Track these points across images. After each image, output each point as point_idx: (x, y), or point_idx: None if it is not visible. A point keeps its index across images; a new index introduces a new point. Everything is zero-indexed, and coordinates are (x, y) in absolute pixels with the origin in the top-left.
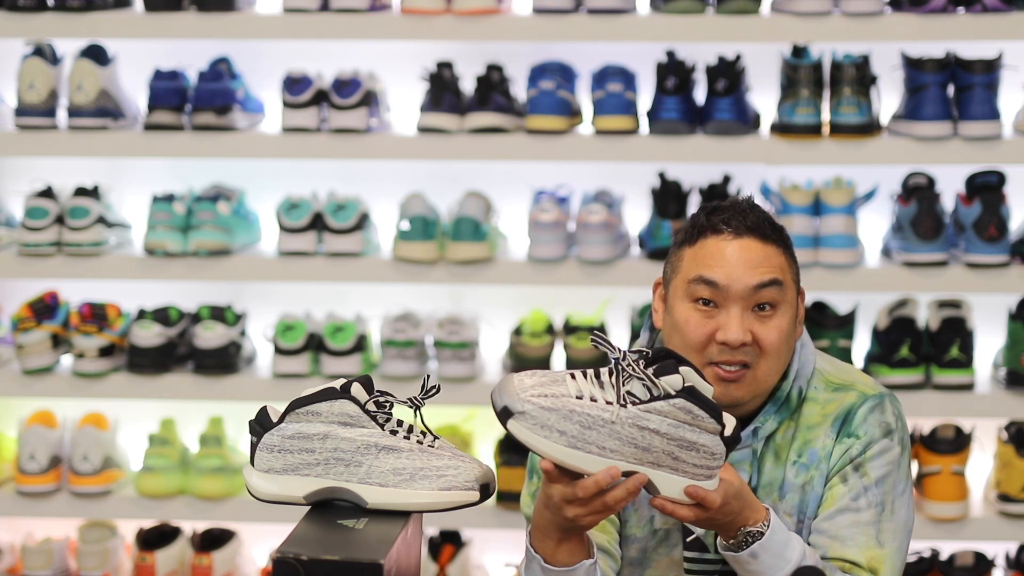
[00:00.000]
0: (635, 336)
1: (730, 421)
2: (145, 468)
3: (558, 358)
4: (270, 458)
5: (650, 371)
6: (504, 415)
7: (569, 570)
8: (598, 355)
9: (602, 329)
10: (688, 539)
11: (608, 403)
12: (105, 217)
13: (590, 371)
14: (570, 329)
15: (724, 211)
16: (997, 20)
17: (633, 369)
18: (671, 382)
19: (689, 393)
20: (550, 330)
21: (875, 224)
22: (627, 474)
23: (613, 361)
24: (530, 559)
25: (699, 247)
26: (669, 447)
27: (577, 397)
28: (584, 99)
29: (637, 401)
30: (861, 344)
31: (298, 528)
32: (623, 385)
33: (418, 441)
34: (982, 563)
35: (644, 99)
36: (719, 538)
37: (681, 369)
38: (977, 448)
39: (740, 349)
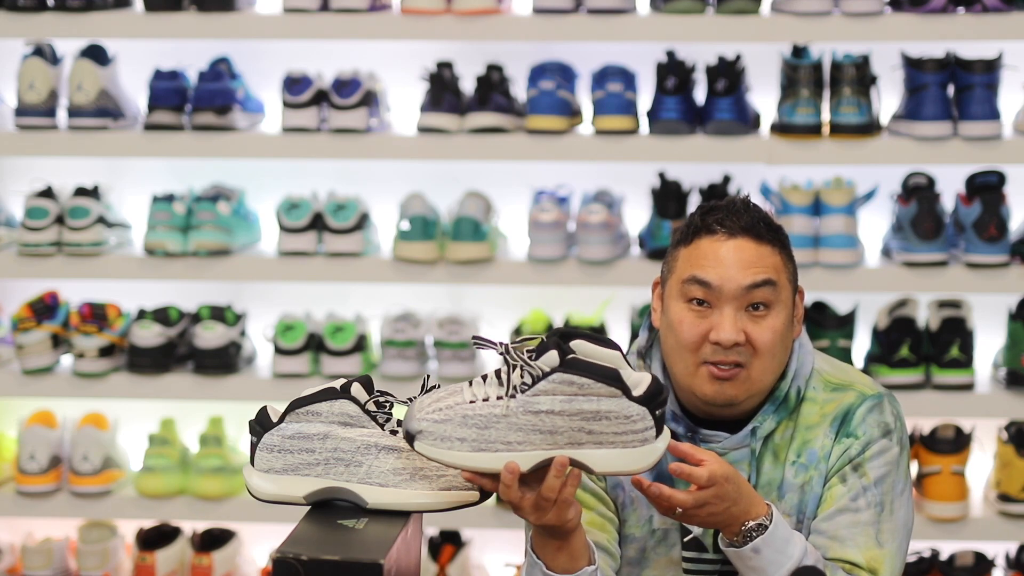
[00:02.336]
0: (635, 336)
1: (643, 379)
2: (145, 468)
3: None
4: (270, 458)
5: (527, 355)
6: (409, 439)
7: None
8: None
9: (601, 329)
10: (686, 539)
11: (498, 398)
12: (105, 217)
13: (489, 373)
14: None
15: (719, 211)
16: (997, 20)
17: (513, 359)
18: (548, 360)
19: (567, 365)
20: (550, 330)
21: (875, 224)
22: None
23: (503, 356)
24: (532, 565)
25: (693, 247)
26: (575, 423)
27: (471, 402)
28: (584, 99)
29: (525, 388)
30: (861, 344)
31: (298, 528)
32: (510, 377)
33: None
34: (982, 563)
35: (644, 99)
36: (720, 535)
37: (573, 344)
38: (977, 448)
39: (733, 349)
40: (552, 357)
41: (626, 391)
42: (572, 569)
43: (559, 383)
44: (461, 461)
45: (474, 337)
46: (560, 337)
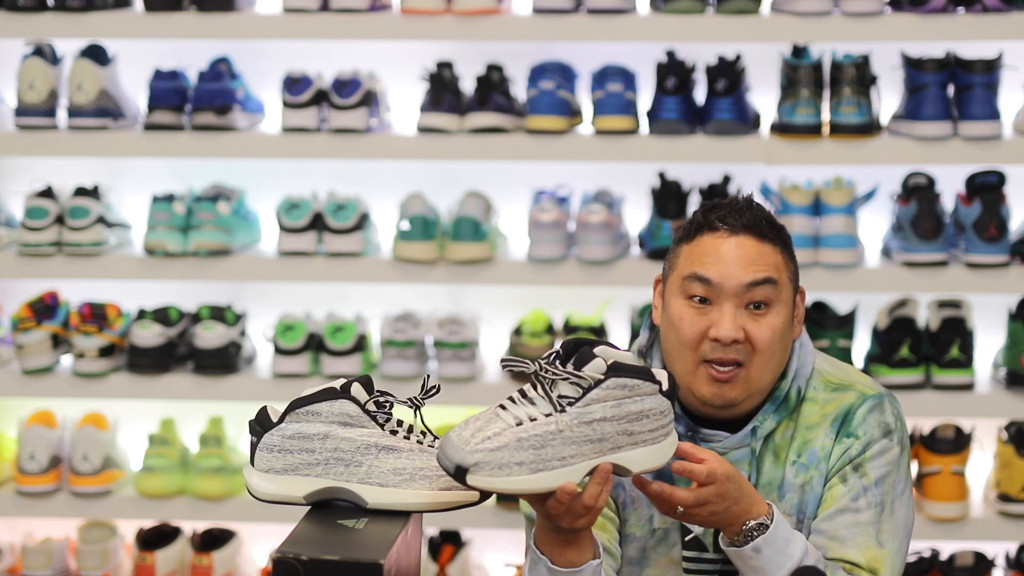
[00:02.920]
0: (635, 335)
1: (662, 375)
2: (145, 468)
3: None
4: (270, 458)
5: (570, 367)
6: (460, 474)
7: (576, 571)
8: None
9: (601, 329)
10: (687, 538)
11: (547, 415)
12: (105, 217)
13: (515, 394)
14: (570, 329)
15: (721, 208)
16: (997, 20)
17: (555, 373)
18: (595, 368)
19: (615, 369)
20: (550, 330)
21: (875, 224)
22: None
23: (532, 375)
24: (536, 560)
25: (695, 244)
26: (621, 427)
27: (517, 424)
28: (584, 99)
29: (573, 400)
30: (861, 344)
31: (298, 528)
32: (551, 392)
33: (418, 441)
34: (982, 563)
35: (644, 99)
36: (721, 534)
37: (596, 350)
38: (977, 448)
39: (732, 346)
40: (599, 365)
41: (660, 386)
42: (579, 563)
43: (613, 388)
44: (523, 486)
45: (503, 361)
46: (575, 347)
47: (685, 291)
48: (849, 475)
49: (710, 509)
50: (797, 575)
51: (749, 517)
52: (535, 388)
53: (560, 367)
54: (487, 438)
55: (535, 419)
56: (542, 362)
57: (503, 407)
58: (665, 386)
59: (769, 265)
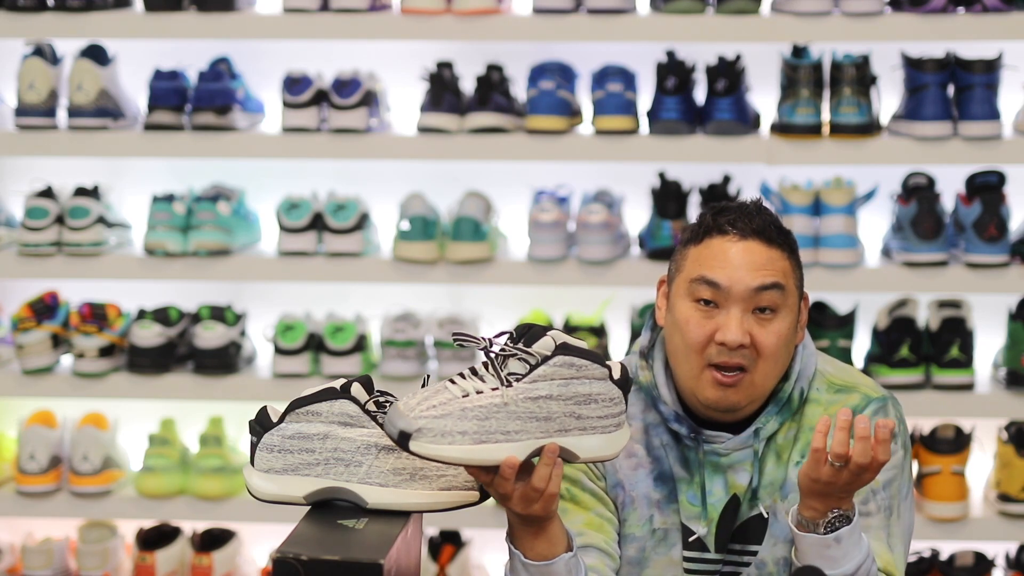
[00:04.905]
0: (636, 335)
1: (616, 365)
2: (145, 468)
3: None
4: (270, 458)
5: (520, 344)
6: (403, 439)
7: (548, 564)
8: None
9: (601, 329)
10: (690, 539)
11: (494, 389)
12: (105, 217)
13: (466, 371)
14: (570, 329)
15: (731, 212)
16: (997, 20)
17: (503, 349)
18: (543, 346)
19: (564, 348)
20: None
21: (875, 224)
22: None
23: (483, 351)
24: (512, 554)
25: (704, 247)
26: (568, 408)
27: (463, 396)
28: (584, 99)
29: (520, 377)
30: (861, 344)
31: (298, 528)
32: (502, 368)
33: None
34: (982, 563)
35: (644, 99)
36: (799, 513)
37: (549, 333)
38: (977, 448)
39: (738, 351)
40: (547, 343)
41: (610, 373)
42: (550, 555)
43: (559, 366)
44: (464, 455)
45: (455, 336)
46: (527, 330)
47: (692, 294)
48: None
49: (835, 484)
50: (798, 574)
51: (841, 505)
52: (485, 367)
53: (510, 344)
54: (432, 407)
55: (481, 392)
56: (493, 339)
57: (452, 381)
58: (616, 374)
59: (777, 270)
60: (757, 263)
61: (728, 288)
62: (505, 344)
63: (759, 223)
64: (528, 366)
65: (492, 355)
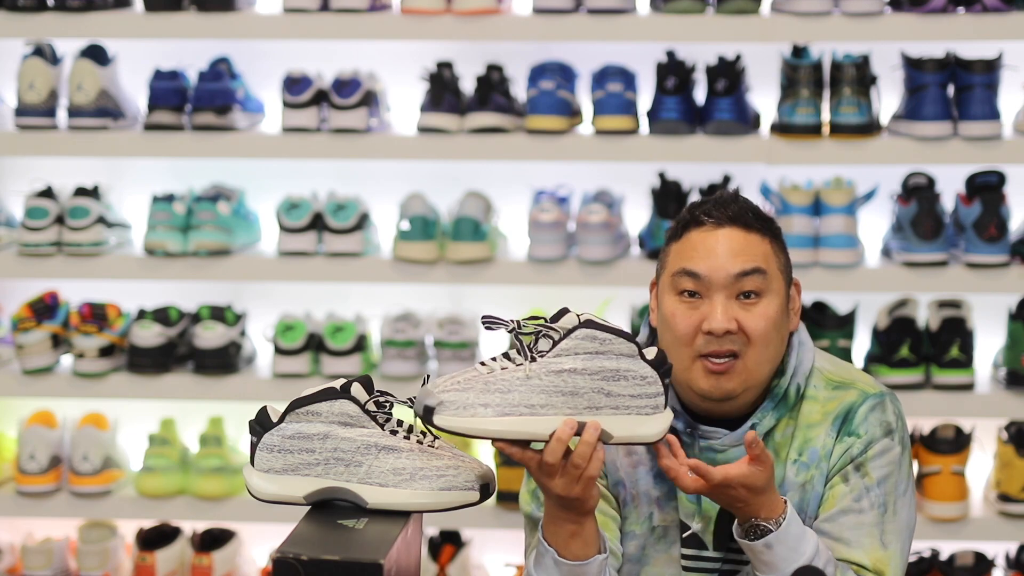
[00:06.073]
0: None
1: (651, 348)
2: (145, 468)
3: None
4: (270, 458)
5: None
6: (427, 414)
7: (582, 564)
8: None
9: None
10: (684, 535)
11: (518, 365)
12: (105, 217)
13: (498, 355)
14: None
15: (707, 203)
16: (997, 20)
17: (529, 326)
18: (567, 321)
19: (587, 323)
20: None
21: (875, 224)
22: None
23: (512, 332)
24: (543, 552)
25: (683, 241)
26: (595, 383)
27: (488, 373)
28: (584, 99)
29: (544, 352)
30: (861, 344)
31: (298, 528)
32: (526, 347)
33: (418, 441)
34: (982, 563)
35: (644, 99)
36: (736, 524)
37: (574, 311)
38: (977, 448)
39: (727, 337)
40: (570, 319)
41: (640, 351)
42: (585, 556)
43: (582, 339)
44: (488, 426)
45: (484, 319)
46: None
47: (675, 287)
48: (851, 475)
49: (718, 498)
50: (797, 575)
51: (759, 515)
52: (513, 348)
53: (530, 322)
54: (457, 383)
55: (507, 368)
56: (521, 321)
57: (483, 363)
58: (651, 356)
59: (757, 255)
60: (735, 249)
61: (709, 277)
62: (527, 321)
63: (735, 210)
64: (552, 342)
65: (516, 338)
